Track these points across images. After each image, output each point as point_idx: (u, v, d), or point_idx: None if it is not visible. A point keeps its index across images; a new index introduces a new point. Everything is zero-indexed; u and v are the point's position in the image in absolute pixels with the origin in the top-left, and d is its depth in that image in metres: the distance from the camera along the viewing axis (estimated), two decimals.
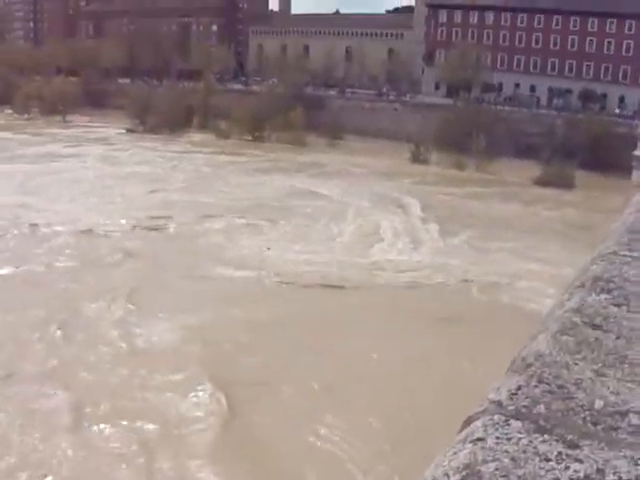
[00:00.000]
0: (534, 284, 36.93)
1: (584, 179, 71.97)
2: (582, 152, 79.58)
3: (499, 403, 1.70)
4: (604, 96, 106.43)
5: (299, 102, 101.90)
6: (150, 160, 77.48)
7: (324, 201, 58.71)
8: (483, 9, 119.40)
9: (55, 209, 50.67)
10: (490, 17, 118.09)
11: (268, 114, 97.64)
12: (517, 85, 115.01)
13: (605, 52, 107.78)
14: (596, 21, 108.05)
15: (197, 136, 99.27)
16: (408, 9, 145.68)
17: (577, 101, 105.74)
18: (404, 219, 53.38)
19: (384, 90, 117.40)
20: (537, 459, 1.44)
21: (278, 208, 55.04)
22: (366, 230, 49.46)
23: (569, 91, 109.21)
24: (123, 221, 48.40)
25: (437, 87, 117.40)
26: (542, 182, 71.57)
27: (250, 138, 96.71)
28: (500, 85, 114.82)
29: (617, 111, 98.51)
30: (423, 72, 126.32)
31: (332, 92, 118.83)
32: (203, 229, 48.11)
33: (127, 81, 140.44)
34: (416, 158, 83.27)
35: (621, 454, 1.53)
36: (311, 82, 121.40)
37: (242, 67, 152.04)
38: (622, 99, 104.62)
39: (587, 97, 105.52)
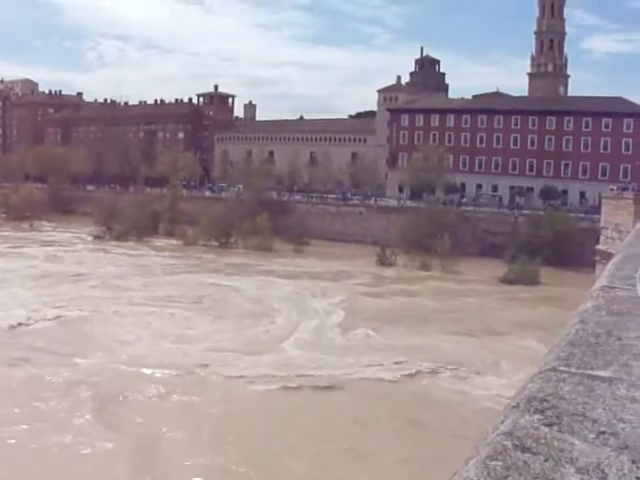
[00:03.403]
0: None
1: (549, 275, 72.52)
2: (546, 248, 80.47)
3: None
4: (565, 192, 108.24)
5: (265, 207, 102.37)
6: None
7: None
8: (443, 112, 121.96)
9: None
10: (451, 119, 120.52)
11: (234, 220, 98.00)
12: (479, 185, 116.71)
13: (564, 149, 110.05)
14: (554, 120, 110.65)
15: (163, 242, 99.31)
16: (371, 114, 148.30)
17: (539, 198, 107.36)
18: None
19: (349, 194, 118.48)
20: None
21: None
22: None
23: (530, 189, 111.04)
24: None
25: (401, 190, 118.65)
26: (507, 280, 71.97)
27: (217, 244, 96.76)
28: (463, 186, 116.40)
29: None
30: (387, 175, 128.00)
31: (298, 197, 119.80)
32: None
33: (95, 188, 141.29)
34: (382, 261, 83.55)
35: None
36: (277, 187, 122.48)
37: (208, 173, 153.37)
38: (583, 194, 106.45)
39: (548, 194, 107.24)
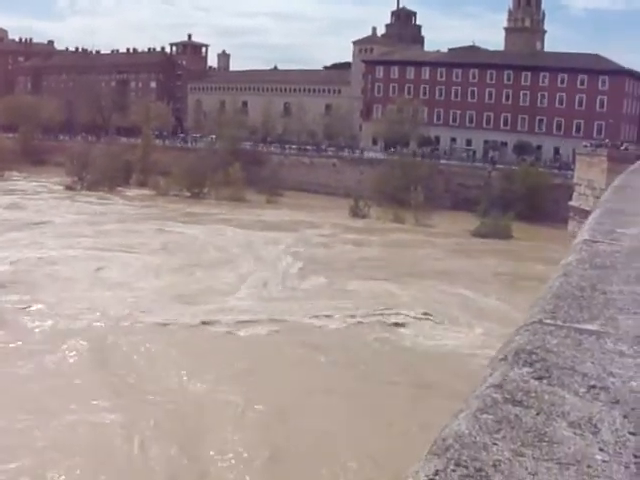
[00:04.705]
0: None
1: (521, 230, 72.90)
2: (519, 203, 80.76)
3: None
4: (539, 148, 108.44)
5: (238, 158, 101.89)
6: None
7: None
8: (419, 64, 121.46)
9: None
10: (426, 72, 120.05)
11: (207, 170, 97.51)
12: (453, 139, 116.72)
13: (539, 105, 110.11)
14: (529, 75, 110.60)
15: (134, 192, 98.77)
16: (346, 65, 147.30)
17: (512, 153, 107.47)
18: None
19: (323, 146, 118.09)
20: None
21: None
22: None
23: (504, 144, 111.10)
24: None
25: (375, 142, 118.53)
26: (480, 234, 72.30)
27: (189, 195, 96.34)
28: (437, 139, 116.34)
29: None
30: (361, 127, 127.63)
31: (271, 148, 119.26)
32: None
33: (67, 137, 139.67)
34: (355, 213, 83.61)
35: None
36: (250, 138, 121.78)
37: (181, 123, 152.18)
38: (557, 150, 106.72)
39: (522, 149, 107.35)
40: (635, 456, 1.96)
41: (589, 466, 1.88)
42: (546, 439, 2.01)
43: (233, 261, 54.94)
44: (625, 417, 2.21)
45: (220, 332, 36.79)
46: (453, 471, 1.78)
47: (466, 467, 1.80)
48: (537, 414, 2.16)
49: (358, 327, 38.78)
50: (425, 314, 41.46)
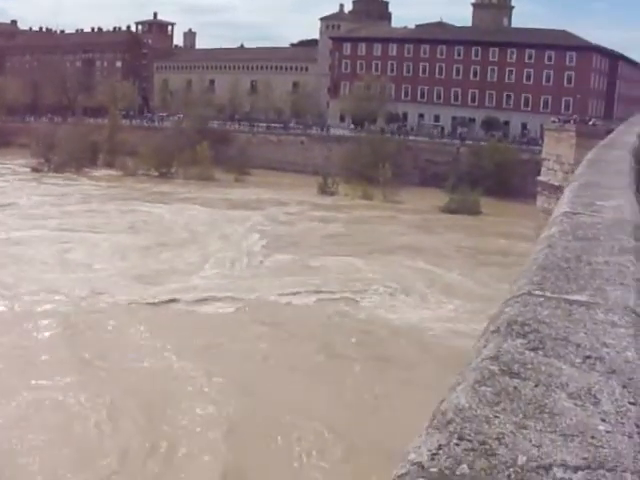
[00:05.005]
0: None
1: (490, 206, 73.26)
2: (487, 179, 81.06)
3: (420, 465, 1.65)
4: (506, 123, 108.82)
5: (206, 137, 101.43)
6: None
7: None
8: (386, 41, 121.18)
9: None
10: (394, 49, 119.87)
11: (175, 150, 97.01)
12: (421, 115, 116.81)
13: (506, 81, 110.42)
14: (497, 51, 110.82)
15: (101, 173, 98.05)
16: (312, 42, 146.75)
17: (480, 129, 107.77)
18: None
19: (291, 124, 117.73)
20: None
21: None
22: None
23: (472, 120, 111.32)
24: None
25: (342, 119, 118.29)
26: (449, 209, 72.60)
27: (157, 174, 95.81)
28: (405, 115, 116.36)
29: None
30: (328, 104, 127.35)
31: (239, 126, 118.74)
32: None
33: (32, 118, 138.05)
34: (324, 190, 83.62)
35: None
36: (217, 116, 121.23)
37: (147, 103, 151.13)
38: (524, 126, 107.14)
39: (490, 125, 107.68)
40: (637, 426, 1.95)
41: (593, 437, 1.86)
42: (547, 411, 1.98)
43: (198, 240, 55.13)
44: (624, 387, 2.20)
45: (183, 310, 37.09)
46: (456, 445, 1.74)
47: (470, 441, 1.76)
48: (535, 386, 2.13)
49: (321, 302, 39.28)
50: (388, 289, 42.25)
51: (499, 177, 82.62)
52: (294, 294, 40.38)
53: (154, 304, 37.39)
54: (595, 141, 24.40)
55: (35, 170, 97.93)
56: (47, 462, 21.82)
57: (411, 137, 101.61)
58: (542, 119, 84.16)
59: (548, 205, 40.61)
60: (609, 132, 24.50)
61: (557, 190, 39.40)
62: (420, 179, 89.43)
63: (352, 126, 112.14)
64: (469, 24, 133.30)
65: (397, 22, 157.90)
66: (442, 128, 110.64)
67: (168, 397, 26.16)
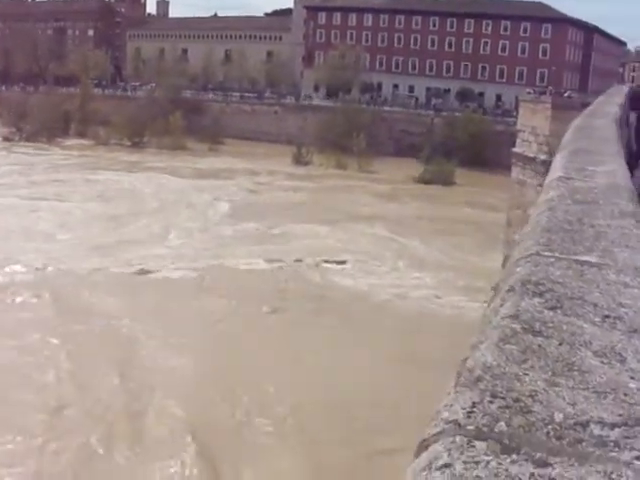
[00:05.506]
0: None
1: (464, 176, 73.45)
2: (461, 150, 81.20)
3: (456, 423, 1.61)
4: (481, 95, 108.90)
5: (179, 106, 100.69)
6: None
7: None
8: (362, 11, 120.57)
9: None
10: (369, 19, 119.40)
11: (148, 119, 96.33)
12: (396, 86, 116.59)
13: (481, 52, 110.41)
14: (472, 22, 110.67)
15: (74, 142, 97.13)
16: (287, 12, 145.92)
17: (455, 100, 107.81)
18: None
19: (266, 93, 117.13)
20: None
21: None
22: None
23: (447, 91, 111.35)
24: None
25: (317, 89, 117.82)
26: (423, 180, 72.69)
27: (129, 144, 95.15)
28: (379, 86, 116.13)
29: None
30: (302, 74, 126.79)
31: (212, 96, 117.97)
32: None
33: (4, 87, 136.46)
34: (298, 160, 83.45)
35: (593, 469, 1.48)
36: (190, 86, 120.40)
37: (120, 72, 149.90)
38: (499, 97, 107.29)
39: (465, 96, 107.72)
40: None
41: (625, 394, 1.84)
42: (576, 369, 1.96)
43: (166, 208, 55.09)
44: None
45: (143, 277, 37.11)
46: (490, 402, 1.71)
47: (503, 398, 1.73)
48: (560, 344, 2.11)
49: (280, 268, 39.87)
50: (347, 255, 42.98)
51: (473, 148, 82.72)
52: (256, 261, 40.93)
53: (116, 272, 37.28)
54: (571, 113, 24.40)
55: (6, 139, 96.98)
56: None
57: (386, 108, 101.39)
58: (517, 91, 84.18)
59: (523, 177, 40.73)
60: (585, 104, 24.52)
61: (532, 161, 39.50)
62: (395, 149, 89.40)
63: (324, 95, 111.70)
64: None
65: None
66: (416, 99, 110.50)
67: (125, 355, 26.68)
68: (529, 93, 62.08)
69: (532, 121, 47.71)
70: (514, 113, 73.78)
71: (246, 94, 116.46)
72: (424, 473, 1.45)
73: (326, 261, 41.51)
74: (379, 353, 27.10)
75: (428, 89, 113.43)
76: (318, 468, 19.92)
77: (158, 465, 20.03)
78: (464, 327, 30.22)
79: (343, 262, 41.59)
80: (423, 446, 1.59)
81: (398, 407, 22.54)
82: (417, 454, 1.58)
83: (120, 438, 21.25)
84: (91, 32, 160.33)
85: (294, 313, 32.11)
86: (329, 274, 39.32)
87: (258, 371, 25.39)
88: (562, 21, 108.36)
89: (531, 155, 40.67)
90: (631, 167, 6.40)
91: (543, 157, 36.05)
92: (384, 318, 31.30)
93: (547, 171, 6.29)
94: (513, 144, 51.89)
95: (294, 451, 20.71)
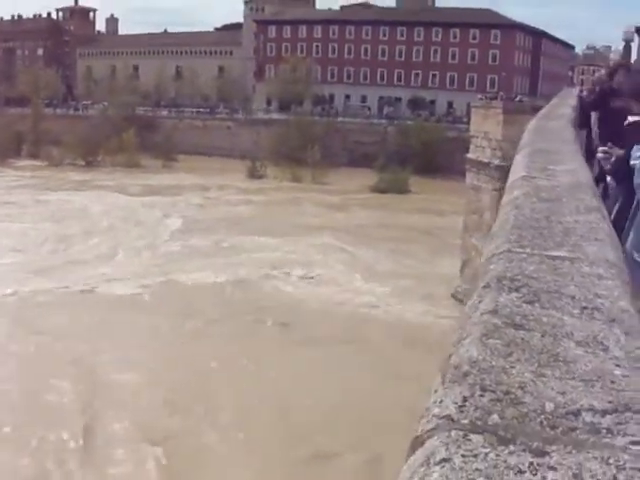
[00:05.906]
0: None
1: (419, 184, 73.85)
2: (415, 158, 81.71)
3: (449, 418, 1.61)
4: (432, 102, 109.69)
5: (132, 124, 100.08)
6: None
7: None
8: (311, 23, 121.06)
9: None
10: (319, 30, 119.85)
11: (101, 138, 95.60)
12: (348, 96, 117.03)
13: (432, 60, 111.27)
14: (422, 30, 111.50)
15: (26, 164, 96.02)
16: (237, 26, 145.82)
17: (407, 108, 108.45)
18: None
19: (219, 109, 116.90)
20: (511, 473, 1.41)
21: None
22: None
23: (399, 99, 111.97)
24: None
25: (269, 103, 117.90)
26: (378, 189, 73.00)
27: (83, 163, 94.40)
28: (332, 97, 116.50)
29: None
30: (254, 88, 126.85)
31: (164, 112, 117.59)
32: None
33: None
34: (252, 174, 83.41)
35: (590, 455, 1.48)
36: (143, 103, 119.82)
37: (71, 91, 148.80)
38: (450, 104, 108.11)
39: (416, 104, 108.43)
40: None
41: (612, 381, 1.85)
42: (561, 359, 1.97)
43: (116, 227, 54.73)
44: (627, 334, 2.20)
45: (88, 296, 36.82)
46: (481, 396, 1.71)
47: (493, 391, 1.73)
48: (542, 336, 2.12)
49: (226, 281, 40.19)
50: (293, 265, 43.57)
51: (427, 156, 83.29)
52: (203, 275, 41.07)
53: (62, 293, 37.03)
54: (522, 117, 24.61)
55: None
56: None
57: (339, 118, 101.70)
58: (468, 97, 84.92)
59: (477, 182, 40.99)
60: (535, 108, 24.76)
61: (486, 166, 39.75)
62: (349, 160, 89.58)
63: (277, 109, 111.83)
64: (394, 4, 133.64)
65: (322, 4, 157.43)
66: (369, 108, 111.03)
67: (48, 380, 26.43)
68: (481, 99, 62.61)
69: (484, 126, 48.04)
70: (465, 120, 74.39)
71: (199, 110, 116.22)
72: (422, 469, 1.45)
73: (272, 272, 41.93)
74: (318, 358, 27.76)
75: (380, 98, 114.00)
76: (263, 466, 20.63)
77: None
78: (403, 331, 30.90)
79: (288, 273, 42.07)
80: (418, 442, 1.58)
81: (336, 410, 23.40)
82: (412, 451, 1.57)
83: (70, 452, 21.39)
84: (40, 51, 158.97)
85: (239, 324, 32.35)
86: (275, 284, 39.79)
87: (205, 382, 25.89)
88: (510, 27, 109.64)
89: (485, 160, 40.95)
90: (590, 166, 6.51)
91: (497, 162, 36.39)
92: (325, 325, 31.86)
93: (502, 176, 6.36)
94: (466, 150, 52.23)
95: (240, 453, 21.37)
